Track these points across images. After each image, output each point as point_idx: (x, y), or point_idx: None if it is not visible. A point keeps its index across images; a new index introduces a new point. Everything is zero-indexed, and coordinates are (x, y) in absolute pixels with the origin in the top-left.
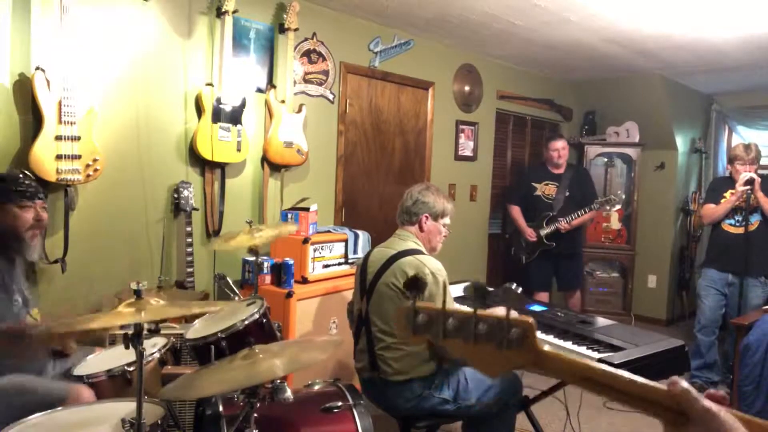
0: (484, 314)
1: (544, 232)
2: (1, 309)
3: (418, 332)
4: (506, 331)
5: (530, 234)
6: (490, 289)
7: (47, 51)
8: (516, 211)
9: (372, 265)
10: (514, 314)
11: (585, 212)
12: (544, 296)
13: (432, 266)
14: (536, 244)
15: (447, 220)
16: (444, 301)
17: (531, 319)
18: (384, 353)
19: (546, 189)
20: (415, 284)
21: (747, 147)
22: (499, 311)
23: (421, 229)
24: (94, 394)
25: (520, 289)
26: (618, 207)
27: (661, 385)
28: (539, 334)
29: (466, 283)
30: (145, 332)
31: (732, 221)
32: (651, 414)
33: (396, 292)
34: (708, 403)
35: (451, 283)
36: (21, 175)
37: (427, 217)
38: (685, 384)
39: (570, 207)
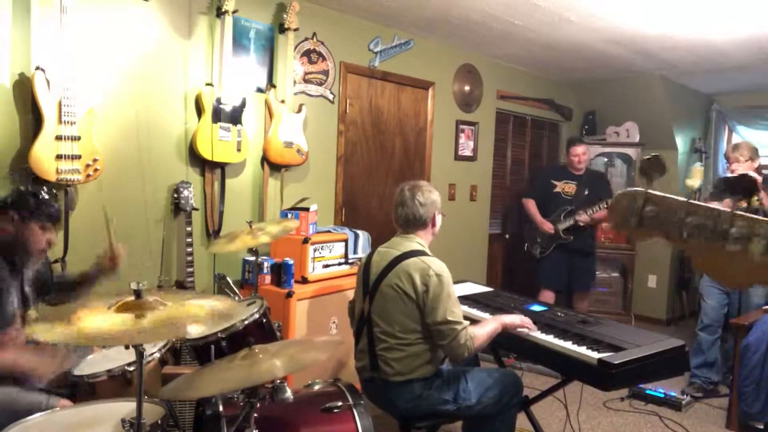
0: (743, 215)
1: (561, 226)
2: None
3: (644, 225)
4: None
5: (549, 227)
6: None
7: (47, 51)
8: (532, 205)
9: (375, 265)
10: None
11: (606, 205)
12: (549, 296)
13: (436, 268)
14: (552, 238)
15: None
16: (692, 196)
17: None
18: (385, 354)
19: (566, 187)
20: (742, 186)
21: (735, 147)
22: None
23: (434, 225)
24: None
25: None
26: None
27: None
28: (538, 334)
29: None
30: None
31: None
32: None
33: (399, 294)
34: None
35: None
36: (48, 196)
37: (435, 212)
38: None
39: (589, 204)
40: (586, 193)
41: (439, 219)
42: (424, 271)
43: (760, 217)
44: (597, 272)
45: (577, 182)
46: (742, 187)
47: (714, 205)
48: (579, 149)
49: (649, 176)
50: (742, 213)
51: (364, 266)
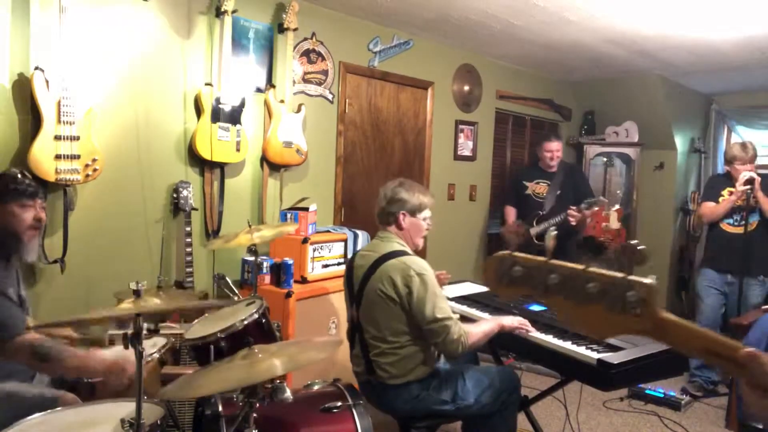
0: (596, 272)
1: (534, 231)
2: (4, 312)
3: (514, 284)
4: (622, 293)
5: (511, 232)
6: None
7: (46, 51)
8: (509, 212)
9: (357, 270)
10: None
11: (602, 201)
12: None
13: (417, 267)
14: (526, 245)
15: (426, 214)
16: (549, 255)
17: (652, 281)
18: (379, 359)
19: (537, 188)
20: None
21: (744, 146)
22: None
23: (399, 227)
24: (80, 401)
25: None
26: (597, 208)
27: None
28: (537, 334)
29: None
30: (144, 332)
31: (730, 221)
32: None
33: (384, 299)
34: None
35: (450, 283)
36: (20, 174)
37: (404, 214)
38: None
39: (560, 206)
40: (558, 193)
41: (408, 222)
42: (404, 272)
43: (613, 273)
44: None
45: (549, 181)
46: (591, 247)
47: (710, 204)
48: (553, 145)
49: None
50: (595, 270)
51: (347, 271)
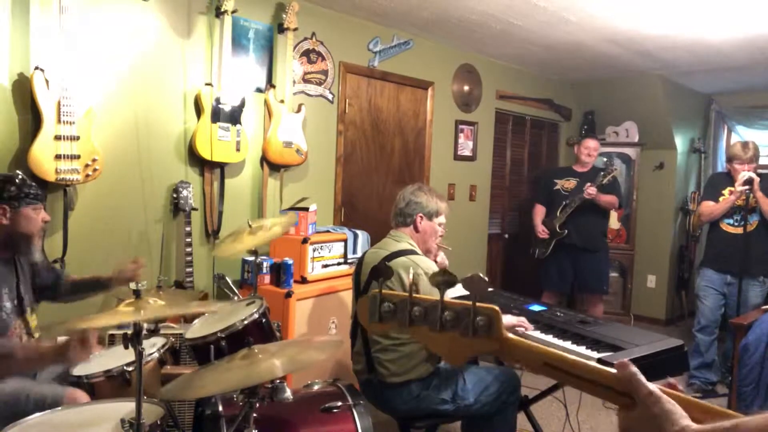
0: (450, 302)
1: (558, 221)
2: None
3: (384, 320)
4: (472, 319)
5: (541, 231)
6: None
7: (46, 51)
8: (537, 210)
9: (366, 266)
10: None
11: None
12: (549, 298)
13: (425, 266)
14: (550, 236)
15: (442, 219)
16: (410, 291)
17: (496, 307)
18: (380, 355)
19: (566, 184)
20: (381, 272)
21: (745, 145)
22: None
23: (416, 229)
24: (89, 397)
25: (487, 278)
26: (611, 176)
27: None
28: (538, 334)
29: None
30: (144, 332)
31: (730, 221)
32: (605, 398)
33: None
34: (652, 388)
35: None
36: (24, 178)
37: (421, 217)
38: (632, 368)
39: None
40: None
41: (424, 224)
42: (412, 269)
43: (464, 302)
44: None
45: (579, 179)
46: (382, 274)
47: (709, 203)
48: (591, 143)
49: (380, 279)
50: (450, 300)
51: (356, 268)
